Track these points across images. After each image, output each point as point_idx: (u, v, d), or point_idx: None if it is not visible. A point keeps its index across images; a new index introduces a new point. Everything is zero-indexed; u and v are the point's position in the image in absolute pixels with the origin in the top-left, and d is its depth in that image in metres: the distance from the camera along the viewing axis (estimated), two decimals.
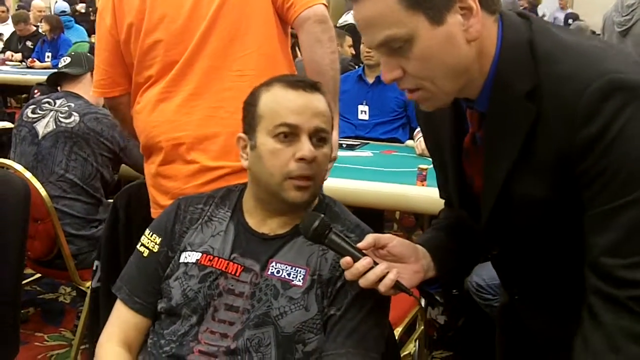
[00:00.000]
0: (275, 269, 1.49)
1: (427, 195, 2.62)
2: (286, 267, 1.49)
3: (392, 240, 1.40)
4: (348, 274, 1.36)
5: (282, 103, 1.49)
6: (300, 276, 1.48)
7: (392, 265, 1.36)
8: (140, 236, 1.64)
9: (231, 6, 1.97)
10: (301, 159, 1.45)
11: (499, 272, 1.54)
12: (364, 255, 1.36)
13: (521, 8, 7.70)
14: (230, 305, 1.48)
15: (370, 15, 1.18)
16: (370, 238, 1.38)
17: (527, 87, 1.17)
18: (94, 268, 2.22)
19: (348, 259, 1.36)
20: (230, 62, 1.98)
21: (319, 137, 1.49)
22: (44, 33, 8.18)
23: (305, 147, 1.45)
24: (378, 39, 1.18)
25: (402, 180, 2.86)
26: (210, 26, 1.97)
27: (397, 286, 1.35)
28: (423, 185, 2.76)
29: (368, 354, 1.44)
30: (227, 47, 1.98)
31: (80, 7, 11.61)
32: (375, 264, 1.35)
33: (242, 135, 1.56)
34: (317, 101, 1.50)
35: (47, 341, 3.20)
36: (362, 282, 1.35)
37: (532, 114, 1.17)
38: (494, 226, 1.34)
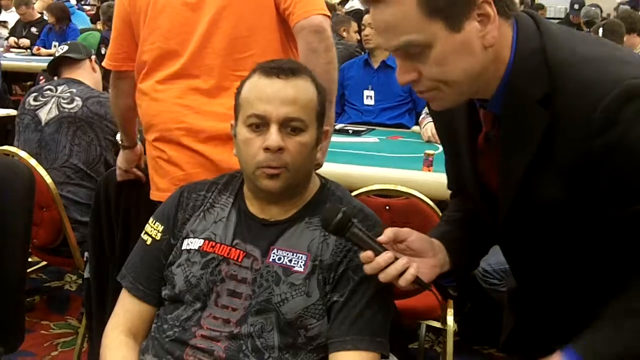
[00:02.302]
0: (277, 255, 1.48)
1: (433, 181, 2.61)
2: (287, 254, 1.48)
3: (411, 235, 1.39)
4: (368, 268, 1.36)
5: (254, 92, 1.48)
6: (301, 262, 1.47)
7: (411, 260, 1.36)
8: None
9: (235, 7, 1.98)
10: (267, 149, 1.44)
11: (510, 265, 1.53)
12: (385, 249, 1.35)
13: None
14: (232, 290, 1.48)
15: (389, 20, 1.17)
16: (390, 232, 1.37)
17: (540, 94, 1.18)
18: (85, 259, 2.21)
19: (369, 253, 1.35)
20: (231, 62, 2.00)
21: (291, 127, 1.46)
22: (50, 23, 8.09)
23: (271, 137, 1.43)
24: (396, 43, 1.18)
25: (408, 165, 2.86)
26: (213, 24, 1.99)
27: (416, 281, 1.35)
28: (429, 170, 2.75)
29: (374, 339, 1.44)
30: (229, 47, 2.00)
31: None
32: (396, 258, 1.35)
33: (232, 122, 1.56)
34: (291, 87, 1.47)
35: (53, 329, 3.19)
36: (382, 277, 1.34)
37: (545, 119, 1.18)
38: (511, 225, 1.34)
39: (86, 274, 2.16)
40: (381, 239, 1.36)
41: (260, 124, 1.45)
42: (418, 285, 1.36)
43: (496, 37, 1.18)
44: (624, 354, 1.24)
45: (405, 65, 1.21)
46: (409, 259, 1.35)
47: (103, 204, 2.03)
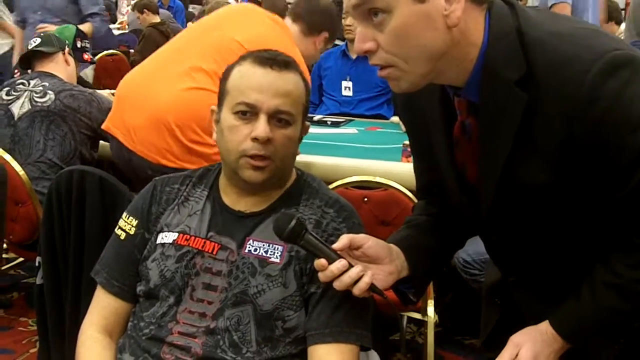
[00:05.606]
0: (253, 246, 1.47)
1: (412, 172, 2.59)
2: (263, 245, 1.47)
3: (368, 241, 1.36)
4: (322, 276, 1.33)
5: (246, 80, 1.47)
6: (277, 253, 1.45)
7: (367, 267, 1.34)
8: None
9: None
10: (255, 139, 1.43)
11: (495, 258, 1.50)
12: (339, 256, 1.33)
13: None
14: (208, 284, 1.46)
15: None
16: (345, 239, 1.34)
17: (516, 75, 1.16)
18: (37, 264, 2.15)
19: (323, 261, 1.32)
20: None
21: (280, 119, 1.46)
22: None
23: (260, 127, 1.43)
24: (355, 1, 1.14)
25: (387, 156, 2.84)
26: None
27: (372, 289, 1.33)
28: (408, 161, 2.73)
29: (353, 331, 1.42)
30: None
31: None
32: (351, 265, 1.32)
33: (214, 107, 1.55)
34: (284, 80, 1.47)
35: (32, 326, 3.15)
36: (337, 285, 1.32)
37: (523, 101, 1.16)
38: (494, 214, 1.32)
39: (38, 280, 2.09)
40: (336, 246, 1.33)
41: (248, 112, 1.44)
42: (374, 292, 1.34)
43: (460, 18, 1.14)
44: (593, 325, 1.28)
45: (364, 32, 1.17)
46: (364, 267, 1.33)
47: (55, 206, 1.97)
